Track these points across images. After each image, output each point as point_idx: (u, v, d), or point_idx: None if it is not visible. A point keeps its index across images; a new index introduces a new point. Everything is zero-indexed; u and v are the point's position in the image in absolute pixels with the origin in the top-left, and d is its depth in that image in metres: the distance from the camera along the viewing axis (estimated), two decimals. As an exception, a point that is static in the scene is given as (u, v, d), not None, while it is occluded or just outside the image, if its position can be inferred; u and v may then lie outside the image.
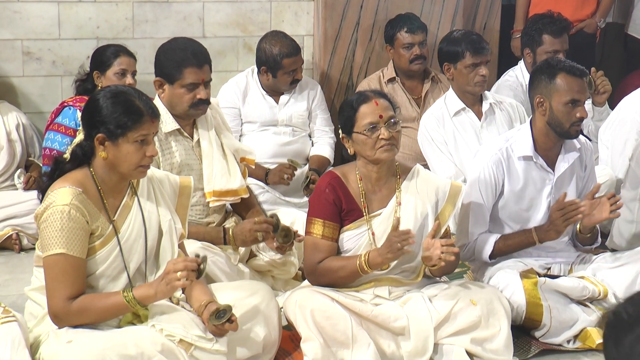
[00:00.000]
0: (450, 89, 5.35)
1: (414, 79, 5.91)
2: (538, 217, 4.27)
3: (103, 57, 5.30)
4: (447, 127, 5.28)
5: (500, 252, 4.23)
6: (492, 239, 4.22)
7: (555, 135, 4.20)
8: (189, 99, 4.26)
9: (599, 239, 4.41)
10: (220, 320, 3.39)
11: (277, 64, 5.53)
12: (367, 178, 3.91)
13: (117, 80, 5.19)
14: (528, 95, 4.34)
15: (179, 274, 3.28)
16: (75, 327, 3.35)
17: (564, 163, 4.27)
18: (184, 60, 4.25)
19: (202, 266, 3.33)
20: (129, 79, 5.24)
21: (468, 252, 4.29)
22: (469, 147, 5.22)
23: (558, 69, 4.16)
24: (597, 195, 4.15)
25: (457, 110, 5.26)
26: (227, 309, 3.42)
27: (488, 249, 4.21)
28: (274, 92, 5.69)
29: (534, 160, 4.23)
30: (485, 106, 5.27)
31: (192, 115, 4.33)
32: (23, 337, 3.35)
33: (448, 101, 5.32)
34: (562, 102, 4.12)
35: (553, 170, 4.27)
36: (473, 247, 4.25)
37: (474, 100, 5.29)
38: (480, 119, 5.26)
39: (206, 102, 4.29)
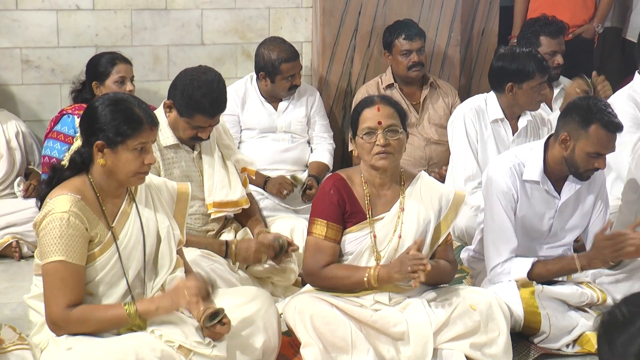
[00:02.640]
0: (492, 94, 5.26)
1: (413, 85, 5.91)
2: (537, 236, 4.25)
3: (99, 66, 5.30)
4: (485, 127, 5.23)
5: (541, 277, 4.12)
6: (528, 261, 4.12)
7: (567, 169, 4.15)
8: (190, 134, 4.30)
9: None
10: (212, 322, 3.39)
11: (276, 69, 5.53)
12: (370, 182, 3.92)
13: (117, 89, 5.18)
14: (558, 119, 4.19)
15: (186, 292, 3.33)
16: (75, 334, 3.34)
17: (570, 189, 4.20)
18: (199, 108, 4.22)
19: (210, 290, 3.40)
20: (128, 86, 5.25)
21: (502, 274, 4.14)
22: (495, 154, 5.20)
23: (596, 118, 4.00)
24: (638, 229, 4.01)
25: (496, 118, 5.22)
26: (220, 311, 3.42)
27: (524, 271, 4.10)
28: (273, 99, 5.69)
29: (541, 185, 4.18)
30: (522, 122, 5.22)
31: (188, 142, 4.37)
32: None
33: (489, 104, 5.25)
34: (587, 152, 4.02)
35: (559, 194, 4.22)
36: (507, 269, 4.14)
37: (514, 115, 5.24)
38: (514, 133, 5.24)
39: (207, 139, 4.33)
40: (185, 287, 3.36)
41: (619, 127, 4.03)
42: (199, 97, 4.21)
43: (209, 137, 4.35)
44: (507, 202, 4.15)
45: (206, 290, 3.39)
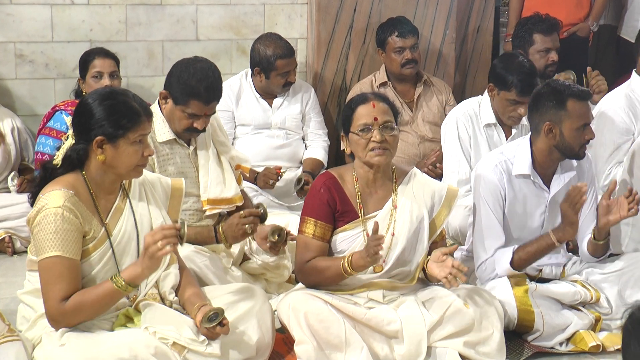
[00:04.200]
0: (486, 97, 5.25)
1: (406, 82, 5.90)
2: (530, 232, 4.24)
3: (80, 62, 5.35)
4: (478, 132, 5.23)
5: (523, 262, 4.14)
6: (509, 250, 4.15)
7: (560, 156, 4.18)
8: (185, 124, 4.28)
9: (611, 247, 4.36)
10: (212, 323, 3.39)
11: (271, 65, 5.52)
12: (363, 179, 3.92)
13: (94, 84, 5.17)
14: (529, 116, 4.29)
15: (159, 243, 3.27)
16: (69, 330, 3.34)
17: (559, 182, 4.23)
18: (194, 93, 4.22)
19: (181, 231, 3.33)
20: (105, 81, 5.22)
21: (487, 270, 4.20)
22: None
23: (566, 95, 4.10)
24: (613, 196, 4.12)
25: (489, 123, 5.22)
26: (219, 312, 3.42)
27: (506, 261, 4.13)
28: (268, 95, 5.69)
29: (532, 178, 4.21)
30: (514, 129, 5.23)
31: (184, 136, 4.36)
32: (26, 357, 3.34)
33: (483, 108, 5.25)
34: (574, 128, 4.09)
35: (549, 189, 4.25)
36: (492, 264, 4.18)
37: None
38: (507, 137, 5.24)
39: (202, 130, 4.31)
40: (153, 240, 3.28)
41: (588, 94, 4.17)
42: (195, 82, 4.22)
43: (204, 130, 4.33)
44: (494, 199, 4.18)
45: (178, 233, 3.31)
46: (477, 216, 4.23)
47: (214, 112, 4.36)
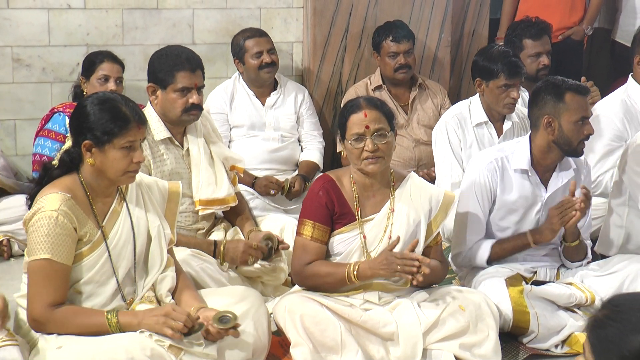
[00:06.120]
0: (477, 97, 5.28)
1: (401, 86, 5.90)
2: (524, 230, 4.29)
3: (88, 62, 5.34)
4: (467, 133, 5.26)
5: (497, 256, 4.26)
6: (488, 244, 4.25)
7: (559, 153, 4.21)
8: (181, 104, 4.28)
9: (590, 255, 4.40)
10: (226, 325, 3.42)
11: (242, 49, 5.62)
12: (360, 183, 3.94)
13: (99, 86, 5.19)
14: (528, 113, 4.32)
15: (173, 323, 3.33)
16: (57, 333, 3.36)
17: (556, 181, 4.27)
18: (176, 64, 4.28)
19: (195, 327, 3.39)
20: (111, 85, 5.23)
21: (464, 260, 4.32)
22: None
23: (565, 88, 4.16)
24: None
25: (480, 122, 5.24)
26: (233, 317, 3.45)
27: (484, 254, 4.25)
28: (259, 92, 5.70)
29: (529, 174, 4.25)
30: (507, 125, 5.24)
31: (184, 121, 4.35)
32: None
33: (472, 109, 5.27)
34: (573, 121, 4.13)
35: (546, 188, 4.28)
36: (469, 255, 4.28)
37: (498, 117, 5.25)
38: (499, 136, 5.26)
39: (199, 107, 4.32)
40: (174, 316, 3.35)
41: (586, 89, 4.23)
42: (174, 57, 4.32)
43: (201, 108, 4.34)
44: (482, 194, 4.24)
45: (192, 326, 3.38)
46: (462, 206, 4.28)
47: (204, 86, 4.37)
